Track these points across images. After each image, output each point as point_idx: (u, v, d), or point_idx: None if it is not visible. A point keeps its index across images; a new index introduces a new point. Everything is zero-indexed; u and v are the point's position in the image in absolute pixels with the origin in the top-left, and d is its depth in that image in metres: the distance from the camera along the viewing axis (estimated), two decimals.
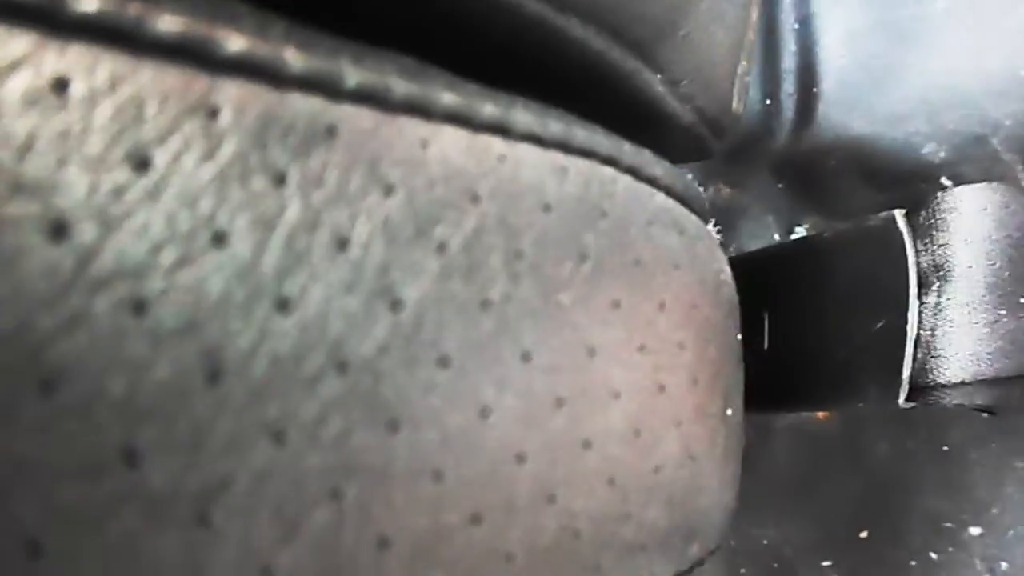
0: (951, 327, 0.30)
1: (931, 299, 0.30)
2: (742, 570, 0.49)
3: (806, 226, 0.51)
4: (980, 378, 0.30)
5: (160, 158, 0.12)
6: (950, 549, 0.48)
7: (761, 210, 0.52)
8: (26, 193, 0.11)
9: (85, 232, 0.12)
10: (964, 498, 0.49)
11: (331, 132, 0.15)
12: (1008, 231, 0.31)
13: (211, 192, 0.13)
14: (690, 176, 0.26)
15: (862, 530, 0.49)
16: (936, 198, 0.32)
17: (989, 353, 0.30)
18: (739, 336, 0.27)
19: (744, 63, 0.29)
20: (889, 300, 0.31)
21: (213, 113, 0.13)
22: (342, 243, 0.15)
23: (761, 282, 0.33)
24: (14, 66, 0.11)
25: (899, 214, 0.32)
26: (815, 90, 0.49)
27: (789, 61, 0.49)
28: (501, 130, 0.18)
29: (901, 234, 0.31)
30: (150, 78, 0.13)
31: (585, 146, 0.20)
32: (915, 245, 0.31)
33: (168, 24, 0.13)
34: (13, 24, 0.11)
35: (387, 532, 0.15)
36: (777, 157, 0.50)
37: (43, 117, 0.11)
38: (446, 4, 0.18)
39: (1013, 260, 0.31)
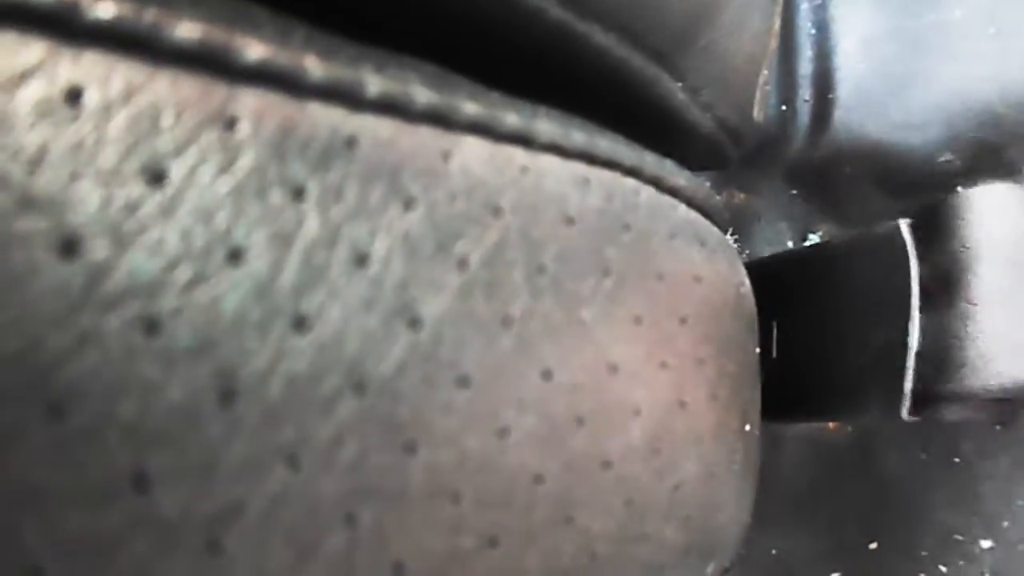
0: (955, 339, 0.30)
1: (934, 311, 0.30)
2: None
3: (820, 233, 0.50)
4: (985, 391, 0.30)
5: (176, 171, 0.12)
6: (960, 562, 0.48)
7: (775, 216, 0.51)
8: (36, 208, 0.11)
9: (97, 249, 0.11)
10: (974, 511, 0.48)
11: (351, 143, 0.14)
12: (1015, 235, 0.31)
13: (228, 207, 0.12)
14: (708, 184, 0.26)
15: (872, 541, 0.49)
16: (942, 202, 0.32)
17: (994, 366, 0.30)
18: (757, 350, 0.26)
19: (765, 72, 0.29)
20: (891, 312, 0.31)
21: (231, 124, 0.13)
22: (361, 259, 0.14)
23: (770, 289, 0.33)
24: (26, 75, 0.11)
25: (904, 223, 0.32)
26: (831, 96, 0.48)
27: (805, 67, 0.49)
28: (524, 140, 0.17)
29: (905, 244, 0.31)
30: (166, 87, 0.12)
31: (608, 156, 0.19)
32: (919, 254, 0.31)
33: (186, 31, 0.12)
34: (26, 31, 0.11)
35: (402, 557, 0.14)
36: (792, 163, 0.50)
37: (55, 129, 0.11)
38: (468, 10, 0.18)
39: (1018, 266, 0.30)
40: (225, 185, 0.12)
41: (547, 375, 0.17)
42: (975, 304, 0.30)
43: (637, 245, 0.19)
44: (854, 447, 0.50)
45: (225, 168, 0.12)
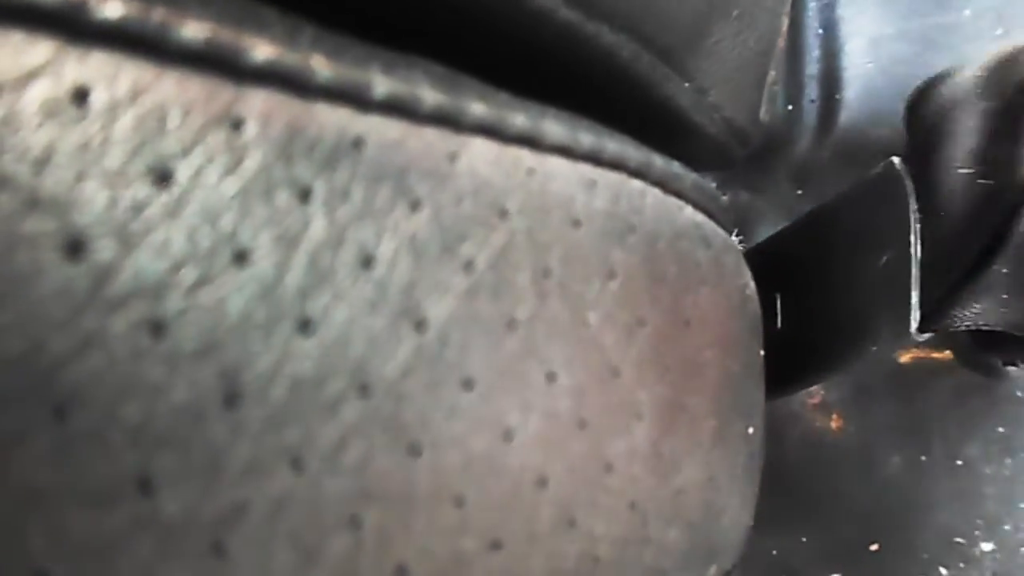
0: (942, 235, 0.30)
1: (924, 219, 0.30)
2: None
3: None
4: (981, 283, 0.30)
5: (182, 172, 0.12)
6: (961, 564, 0.48)
7: (780, 216, 0.51)
8: (42, 209, 0.11)
9: (103, 250, 0.11)
10: (976, 513, 0.48)
11: (358, 144, 0.14)
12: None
13: (234, 208, 0.12)
14: (714, 185, 0.26)
15: (873, 543, 0.49)
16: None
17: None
18: (761, 352, 0.26)
19: (772, 72, 0.29)
20: (892, 234, 0.30)
21: (237, 125, 0.13)
22: (367, 261, 0.14)
23: (772, 267, 0.33)
24: (33, 75, 0.11)
25: (896, 159, 0.31)
26: (838, 97, 0.48)
27: (812, 67, 0.49)
28: (531, 142, 0.17)
29: (899, 173, 0.31)
30: (173, 87, 0.12)
31: (615, 158, 0.19)
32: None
33: (194, 31, 0.12)
34: (33, 30, 0.11)
35: (406, 560, 0.14)
36: (798, 163, 0.50)
37: (62, 129, 0.11)
38: (477, 11, 0.18)
39: None
40: (231, 186, 0.12)
41: (552, 377, 0.17)
42: None
43: (643, 247, 0.19)
44: (856, 448, 0.50)
45: (231, 169, 0.12)
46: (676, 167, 0.22)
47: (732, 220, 0.26)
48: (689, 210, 0.22)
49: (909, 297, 0.29)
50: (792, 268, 0.35)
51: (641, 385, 0.19)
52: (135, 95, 0.12)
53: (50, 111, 0.11)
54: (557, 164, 0.18)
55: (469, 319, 0.15)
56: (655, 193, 0.20)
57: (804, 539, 0.49)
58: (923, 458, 0.49)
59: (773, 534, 0.49)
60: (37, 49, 0.11)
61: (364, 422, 0.14)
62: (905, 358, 0.49)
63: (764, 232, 0.51)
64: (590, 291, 0.18)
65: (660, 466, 0.20)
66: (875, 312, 0.31)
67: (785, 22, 0.28)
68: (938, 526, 0.48)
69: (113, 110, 0.11)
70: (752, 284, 0.25)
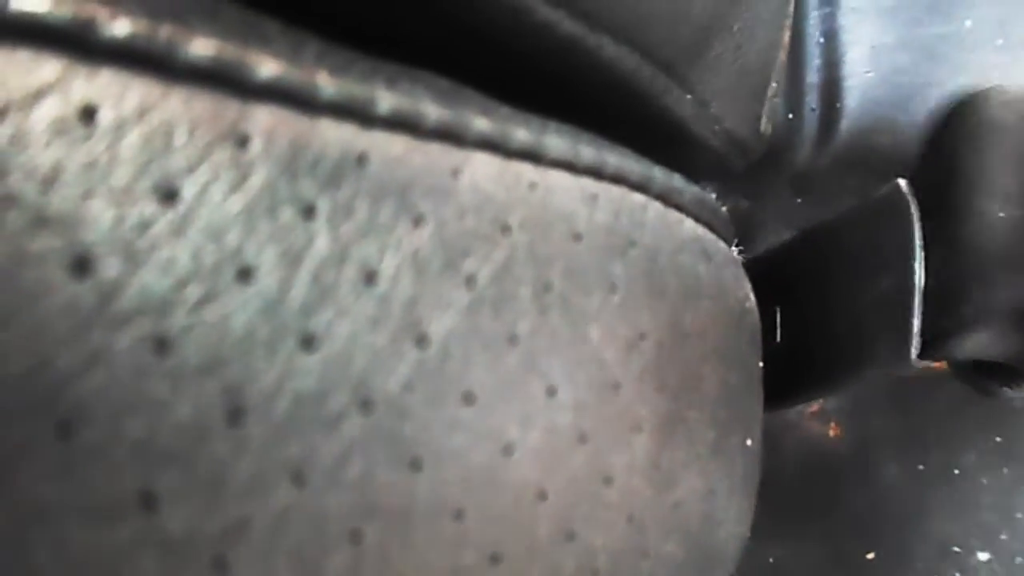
0: (960, 269, 0.29)
1: (934, 249, 0.29)
2: None
3: None
4: (987, 311, 0.29)
5: (188, 189, 0.12)
6: (957, 574, 0.48)
7: (780, 225, 0.51)
8: (50, 227, 0.11)
9: (109, 267, 0.11)
10: (973, 523, 0.48)
11: (362, 160, 0.14)
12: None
13: (238, 225, 0.12)
14: (714, 194, 0.26)
15: (869, 551, 0.49)
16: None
17: (1003, 290, 0.29)
18: (760, 364, 0.26)
19: (775, 84, 0.29)
20: (894, 259, 0.30)
21: (243, 141, 0.13)
22: (370, 277, 0.14)
23: (773, 279, 0.33)
24: (41, 93, 0.11)
25: (903, 181, 0.31)
26: (839, 106, 0.48)
27: (813, 76, 0.49)
28: (533, 156, 0.17)
29: (905, 197, 0.31)
30: (180, 105, 0.12)
31: (616, 172, 0.19)
32: (919, 201, 0.30)
33: (201, 48, 0.12)
34: (41, 49, 0.11)
35: (405, 574, 0.15)
36: (797, 172, 0.50)
37: (69, 147, 0.11)
38: (479, 24, 0.18)
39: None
40: (236, 203, 0.12)
41: (552, 392, 0.17)
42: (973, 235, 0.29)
43: (644, 261, 0.19)
44: (853, 457, 0.50)
45: (237, 186, 0.13)
46: (677, 180, 0.22)
47: (732, 232, 0.26)
48: (690, 223, 0.22)
49: (910, 324, 0.29)
50: (793, 282, 0.35)
51: (641, 398, 0.19)
52: (142, 113, 0.12)
53: (58, 129, 0.11)
54: (559, 178, 0.18)
55: (470, 334, 0.15)
56: (656, 207, 0.20)
57: (801, 548, 0.49)
58: (920, 467, 0.49)
59: (770, 542, 0.49)
60: (45, 67, 0.11)
61: (365, 437, 0.14)
62: None
63: (764, 241, 0.51)
64: (591, 305, 0.18)
65: (659, 478, 0.20)
66: (875, 334, 0.31)
67: (787, 35, 0.29)
68: (935, 535, 0.48)
69: (120, 128, 0.11)
70: (752, 297, 0.25)
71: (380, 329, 0.14)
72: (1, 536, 0.11)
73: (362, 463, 0.14)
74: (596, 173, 0.19)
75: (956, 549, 0.48)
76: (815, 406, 0.50)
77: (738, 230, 0.51)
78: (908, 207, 0.30)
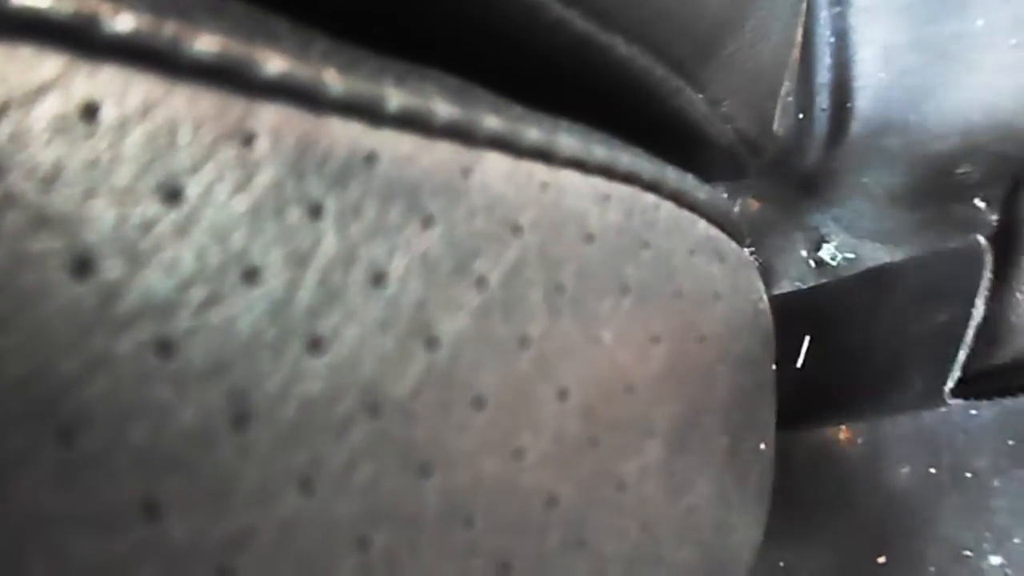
0: (1007, 310, 0.29)
1: (999, 284, 0.29)
2: None
3: (835, 243, 0.50)
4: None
5: (192, 189, 0.12)
6: None
7: (789, 225, 0.51)
8: (50, 227, 0.10)
9: (111, 268, 0.11)
10: (986, 526, 0.48)
11: (370, 160, 0.14)
12: None
13: (244, 225, 0.12)
14: (726, 196, 0.26)
15: (880, 555, 0.48)
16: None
17: None
18: (773, 366, 0.26)
19: (787, 83, 0.28)
20: (958, 294, 0.30)
21: (249, 140, 0.12)
22: (378, 278, 0.14)
23: (810, 310, 0.32)
24: (42, 90, 0.11)
25: (983, 240, 0.31)
26: (849, 106, 0.48)
27: (824, 76, 0.48)
28: (545, 156, 0.17)
29: (981, 255, 0.30)
30: (184, 102, 0.12)
31: (628, 171, 0.19)
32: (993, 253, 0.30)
33: (206, 44, 0.12)
34: (43, 45, 0.11)
35: None
36: (808, 172, 0.49)
37: (71, 146, 0.11)
38: (492, 21, 0.17)
39: None
40: (242, 203, 0.12)
41: (563, 395, 0.17)
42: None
43: (656, 263, 0.19)
44: (865, 460, 0.49)
45: (242, 186, 0.12)
46: (690, 180, 0.21)
47: (744, 233, 0.26)
48: (703, 224, 0.21)
49: (955, 355, 0.28)
50: (834, 313, 0.34)
51: (654, 402, 0.19)
52: (145, 111, 0.11)
53: (59, 127, 0.11)
54: (570, 178, 0.17)
55: (481, 337, 0.15)
56: (669, 207, 0.20)
57: (812, 551, 0.49)
58: (932, 470, 0.49)
59: (781, 546, 0.49)
60: (46, 64, 0.11)
61: (374, 443, 0.13)
62: None
63: (773, 241, 0.51)
64: (603, 307, 0.17)
65: (672, 484, 0.19)
66: (914, 365, 0.30)
67: (800, 34, 0.28)
68: (947, 539, 0.48)
69: (123, 126, 0.11)
70: (765, 298, 0.25)
71: (389, 332, 0.14)
72: None
73: (370, 469, 0.13)
74: (608, 172, 0.18)
75: (968, 553, 0.48)
76: None
77: (748, 230, 0.50)
78: (983, 266, 0.30)
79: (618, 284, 0.18)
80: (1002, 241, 0.30)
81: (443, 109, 0.15)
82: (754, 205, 0.51)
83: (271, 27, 0.13)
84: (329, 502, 0.13)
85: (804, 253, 0.50)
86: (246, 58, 0.12)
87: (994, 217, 0.46)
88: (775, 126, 0.29)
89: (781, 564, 0.49)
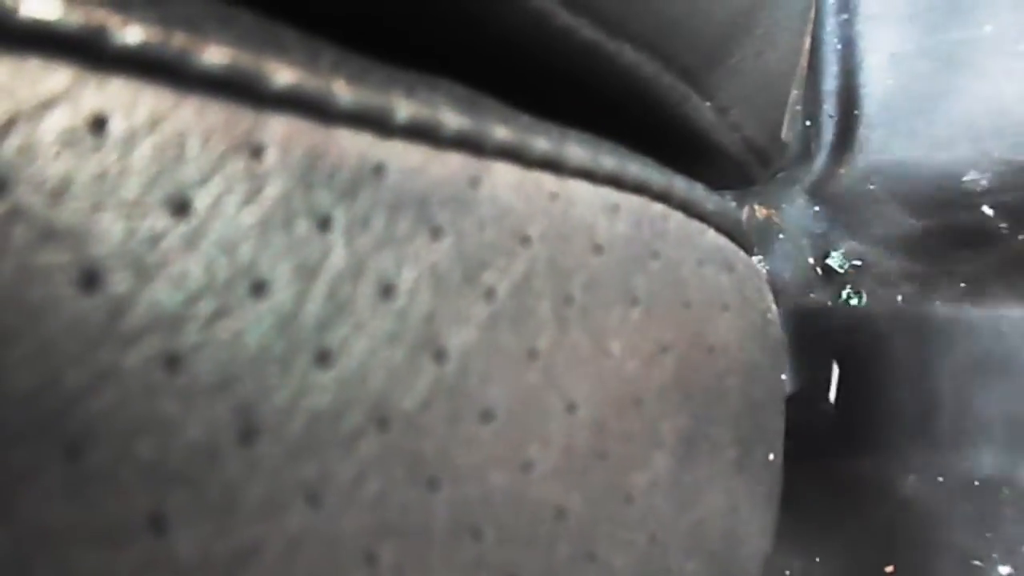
0: None
1: None
2: None
3: (842, 251, 0.50)
4: None
5: (200, 202, 0.12)
6: None
7: (796, 232, 0.50)
8: (57, 241, 0.10)
9: (118, 282, 0.11)
10: (995, 535, 0.47)
11: (379, 171, 0.14)
12: None
13: (252, 238, 0.12)
14: (733, 204, 0.25)
15: (888, 564, 0.48)
16: None
17: None
18: (783, 376, 0.26)
19: (796, 91, 0.28)
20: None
21: (257, 152, 0.12)
22: (387, 291, 0.14)
23: (835, 334, 0.32)
24: (50, 103, 0.10)
25: None
26: (856, 113, 0.47)
27: (831, 83, 0.48)
28: (554, 166, 0.17)
29: None
30: (193, 115, 0.12)
31: (637, 181, 0.19)
32: None
33: (215, 56, 0.12)
34: (50, 57, 0.11)
35: None
36: (815, 179, 0.49)
37: (79, 159, 0.11)
38: (500, 30, 0.17)
39: None
40: (250, 216, 0.12)
41: (572, 408, 0.17)
42: None
43: (665, 273, 0.19)
44: (872, 469, 0.49)
45: (251, 198, 0.12)
46: (698, 189, 0.21)
47: (752, 242, 0.26)
48: (711, 233, 0.21)
49: None
50: (870, 345, 0.34)
51: (663, 414, 0.19)
52: (154, 123, 0.11)
53: (67, 140, 0.11)
54: (579, 188, 0.17)
55: (489, 349, 0.15)
56: (678, 217, 0.20)
57: (819, 560, 0.48)
58: (940, 479, 0.48)
59: (788, 554, 0.48)
60: (55, 76, 0.11)
61: (383, 456, 0.13)
62: None
63: (780, 248, 0.50)
64: (612, 319, 0.17)
65: (681, 496, 0.19)
66: (983, 441, 0.30)
67: (807, 42, 0.28)
68: (955, 548, 0.47)
69: (131, 139, 0.11)
70: (774, 308, 0.24)
71: (397, 345, 0.14)
72: (4, 561, 0.10)
73: (379, 483, 0.13)
74: (617, 182, 0.18)
75: (977, 562, 0.47)
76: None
77: (755, 237, 0.50)
78: None
79: (627, 295, 0.18)
80: None
81: (452, 119, 0.15)
82: (761, 212, 0.50)
83: (280, 38, 0.13)
84: (337, 516, 0.13)
85: (811, 260, 0.50)
86: (255, 70, 0.12)
87: (1003, 225, 0.45)
88: (784, 134, 0.29)
89: (787, 573, 0.48)
